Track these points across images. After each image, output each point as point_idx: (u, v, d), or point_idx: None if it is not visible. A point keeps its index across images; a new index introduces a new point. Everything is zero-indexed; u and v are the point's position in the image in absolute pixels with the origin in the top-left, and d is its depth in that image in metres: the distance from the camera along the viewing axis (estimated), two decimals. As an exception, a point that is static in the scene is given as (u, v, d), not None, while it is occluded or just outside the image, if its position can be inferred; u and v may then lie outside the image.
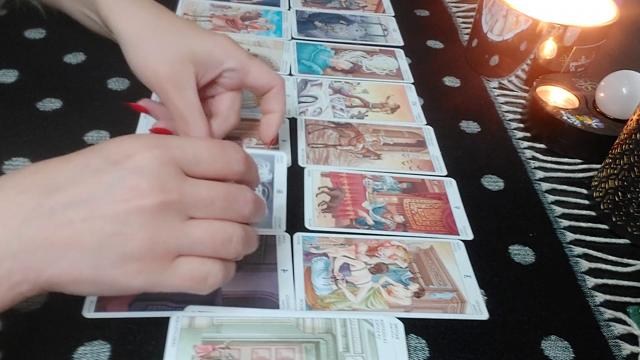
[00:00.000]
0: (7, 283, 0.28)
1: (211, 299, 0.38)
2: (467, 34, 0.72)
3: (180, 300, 0.37)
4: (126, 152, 0.30)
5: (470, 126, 0.58)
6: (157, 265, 0.30)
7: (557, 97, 0.58)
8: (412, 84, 0.62)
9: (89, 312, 0.36)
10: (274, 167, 0.48)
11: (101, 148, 0.31)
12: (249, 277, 0.40)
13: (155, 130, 0.46)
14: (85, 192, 0.29)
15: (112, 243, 0.29)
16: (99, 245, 0.29)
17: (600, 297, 0.43)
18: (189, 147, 0.31)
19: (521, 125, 0.59)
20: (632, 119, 0.46)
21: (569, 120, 0.54)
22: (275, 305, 0.38)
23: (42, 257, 0.28)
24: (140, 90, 0.55)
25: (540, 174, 0.53)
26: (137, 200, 0.29)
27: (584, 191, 0.52)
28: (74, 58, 0.58)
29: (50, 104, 0.52)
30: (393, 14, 0.75)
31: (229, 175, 0.33)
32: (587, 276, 0.44)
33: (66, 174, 0.29)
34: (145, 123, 0.51)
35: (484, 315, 0.40)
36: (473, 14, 0.67)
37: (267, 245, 0.42)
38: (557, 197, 0.51)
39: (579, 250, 0.46)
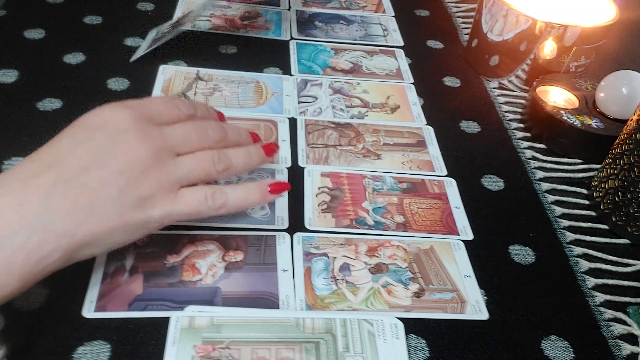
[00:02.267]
0: (38, 255, 0.30)
1: (211, 299, 0.38)
2: (467, 34, 0.72)
3: (180, 300, 0.37)
4: (103, 119, 0.36)
5: (470, 126, 0.58)
6: (167, 197, 0.36)
7: (557, 97, 0.58)
8: (412, 84, 0.62)
9: (89, 312, 0.36)
10: (275, 177, 0.48)
11: (80, 123, 0.36)
12: (249, 277, 0.40)
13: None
14: (87, 158, 0.33)
15: (127, 191, 0.34)
16: (117, 197, 0.33)
17: (600, 297, 0.43)
18: (148, 104, 0.38)
19: (521, 125, 0.59)
20: (632, 119, 0.46)
21: (569, 120, 0.54)
22: (275, 305, 0.38)
23: (71, 221, 0.32)
24: (140, 90, 0.55)
25: (540, 174, 0.53)
26: (133, 151, 0.35)
27: (584, 191, 0.52)
28: (74, 58, 0.58)
29: (50, 104, 0.51)
30: (393, 14, 0.75)
31: (182, 117, 0.40)
32: (587, 276, 0.44)
33: (64, 151, 0.34)
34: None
35: (484, 315, 0.40)
36: (473, 14, 0.67)
37: (267, 245, 0.42)
38: (557, 197, 0.51)
39: (579, 250, 0.46)
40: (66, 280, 0.37)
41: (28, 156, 0.34)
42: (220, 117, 0.46)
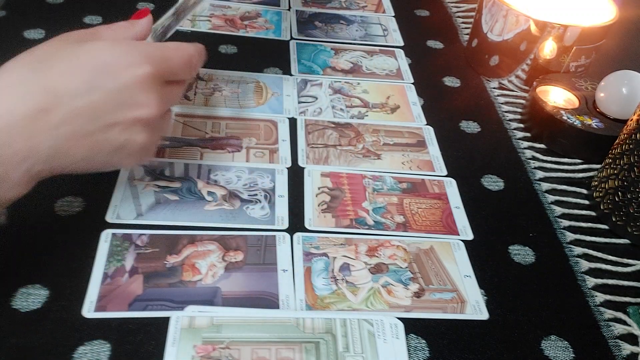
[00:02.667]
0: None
1: (211, 299, 0.38)
2: (467, 34, 0.72)
3: (180, 300, 0.37)
4: (127, 65, 0.35)
5: (470, 126, 0.58)
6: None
7: (557, 97, 0.58)
8: (412, 84, 0.62)
9: (89, 312, 0.36)
10: (275, 178, 0.48)
11: (104, 63, 0.35)
12: (249, 277, 0.40)
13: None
14: (102, 113, 0.34)
15: (125, 151, 0.37)
16: (117, 149, 0.36)
17: (600, 297, 0.43)
18: (170, 65, 0.38)
19: (521, 125, 0.59)
20: (632, 119, 0.46)
21: (569, 120, 0.54)
22: (275, 305, 0.38)
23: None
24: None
25: (540, 174, 0.53)
26: (143, 111, 0.36)
27: (584, 191, 0.52)
28: (74, 58, 0.57)
29: (50, 104, 0.51)
30: (393, 14, 0.75)
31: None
32: (587, 276, 0.44)
33: (83, 90, 0.34)
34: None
35: (484, 315, 0.40)
36: (473, 14, 0.67)
37: (267, 245, 0.42)
38: (557, 197, 0.51)
39: (579, 250, 0.46)
40: (66, 281, 0.37)
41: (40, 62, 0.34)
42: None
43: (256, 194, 0.46)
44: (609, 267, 0.45)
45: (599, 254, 0.46)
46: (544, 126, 0.56)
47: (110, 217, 0.42)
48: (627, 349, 0.39)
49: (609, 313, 0.41)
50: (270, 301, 0.38)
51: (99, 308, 0.36)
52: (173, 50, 0.39)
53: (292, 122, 0.54)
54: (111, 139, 0.35)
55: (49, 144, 0.33)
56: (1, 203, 0.33)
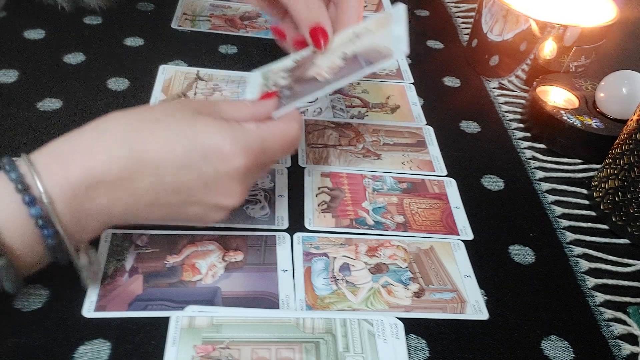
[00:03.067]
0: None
1: (211, 299, 0.38)
2: (467, 34, 0.72)
3: (180, 300, 0.37)
4: (225, 155, 0.34)
5: (470, 126, 0.58)
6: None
7: (557, 97, 0.58)
8: (412, 84, 0.62)
9: (89, 312, 0.36)
10: (275, 178, 0.48)
11: (204, 146, 0.34)
12: (249, 277, 0.40)
13: (273, 29, 0.49)
14: (186, 191, 0.35)
15: (195, 220, 0.37)
16: (193, 220, 0.37)
17: (600, 297, 0.43)
18: (272, 155, 0.38)
19: (521, 125, 0.59)
20: (632, 119, 0.46)
21: (569, 120, 0.54)
22: (275, 305, 0.38)
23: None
24: (140, 90, 0.55)
25: (540, 174, 0.53)
26: (227, 201, 0.36)
27: (584, 191, 0.52)
28: (74, 58, 0.58)
29: (50, 104, 0.52)
30: (393, 14, 0.75)
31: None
32: (587, 276, 0.44)
33: (171, 164, 0.34)
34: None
35: (484, 315, 0.40)
36: (473, 14, 0.67)
37: (267, 245, 0.42)
38: (557, 197, 0.51)
39: (579, 250, 0.46)
40: (66, 281, 0.37)
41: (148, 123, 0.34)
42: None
43: (256, 194, 0.46)
44: (609, 267, 0.45)
45: (599, 254, 0.46)
46: (544, 126, 0.56)
47: (110, 217, 0.42)
48: (627, 349, 0.39)
49: (609, 313, 0.41)
50: (270, 301, 0.38)
51: (99, 308, 0.36)
52: (277, 138, 0.37)
53: (292, 122, 0.54)
54: (189, 213, 0.36)
55: (128, 205, 0.34)
56: (76, 244, 0.34)
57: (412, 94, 0.61)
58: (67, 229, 0.32)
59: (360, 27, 0.44)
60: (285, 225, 0.44)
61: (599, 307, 0.42)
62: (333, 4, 0.46)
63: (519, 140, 0.57)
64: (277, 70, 0.44)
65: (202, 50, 0.62)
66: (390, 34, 0.42)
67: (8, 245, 0.30)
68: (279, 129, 0.38)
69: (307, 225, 0.44)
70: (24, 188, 0.30)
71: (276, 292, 0.39)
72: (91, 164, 0.32)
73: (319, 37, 0.43)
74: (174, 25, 0.65)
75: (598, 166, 0.52)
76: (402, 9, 0.43)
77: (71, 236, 0.32)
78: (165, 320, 0.36)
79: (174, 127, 0.34)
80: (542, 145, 0.56)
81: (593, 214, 0.50)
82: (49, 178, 0.31)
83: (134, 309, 0.37)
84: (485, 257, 0.44)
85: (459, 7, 0.79)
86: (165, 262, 0.40)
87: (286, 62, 0.45)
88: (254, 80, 0.45)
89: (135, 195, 0.33)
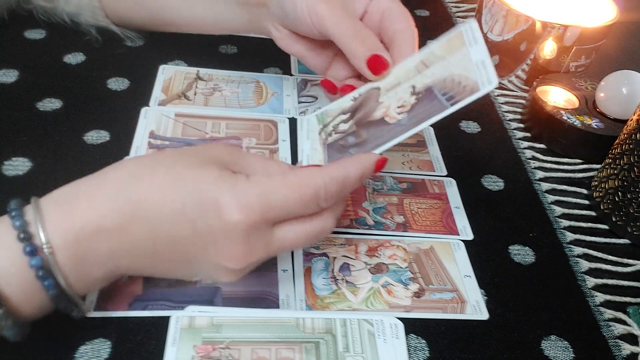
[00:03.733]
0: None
1: (211, 299, 0.38)
2: (467, 34, 0.72)
3: (180, 300, 0.37)
4: (219, 209, 0.31)
5: (470, 126, 0.58)
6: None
7: (557, 97, 0.58)
8: (412, 84, 0.62)
9: (90, 311, 0.36)
10: None
11: (201, 198, 0.31)
12: (249, 277, 0.40)
13: (324, 83, 0.45)
14: (183, 245, 0.32)
15: (205, 278, 0.37)
16: (199, 277, 0.37)
17: (600, 297, 0.43)
18: (282, 205, 0.32)
19: (521, 125, 0.59)
20: (632, 119, 0.46)
21: (569, 120, 0.54)
22: (276, 305, 0.38)
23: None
24: (140, 90, 0.55)
25: (540, 174, 0.53)
26: (227, 262, 0.33)
27: (584, 191, 0.52)
28: (74, 58, 0.58)
29: (50, 104, 0.51)
30: (393, 14, 0.74)
31: (318, 213, 0.34)
32: (587, 276, 0.44)
33: (166, 215, 0.32)
34: (144, 123, 0.51)
35: (484, 315, 0.40)
36: (473, 14, 0.67)
37: (267, 245, 0.42)
38: (557, 197, 0.51)
39: (579, 250, 0.46)
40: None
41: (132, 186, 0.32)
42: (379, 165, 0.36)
43: None
44: (609, 267, 0.45)
45: (599, 254, 0.46)
46: (544, 126, 0.56)
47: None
48: (627, 349, 0.39)
49: (609, 313, 0.41)
50: (270, 301, 0.38)
51: (99, 307, 0.36)
52: (290, 190, 0.32)
53: (292, 122, 0.54)
54: (194, 270, 0.35)
55: (130, 255, 0.32)
56: (79, 294, 0.33)
57: (412, 94, 0.61)
58: (68, 279, 0.31)
59: (425, 52, 0.38)
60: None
61: (599, 307, 0.42)
62: (385, 45, 0.42)
63: (519, 140, 0.57)
64: (336, 112, 0.38)
65: (202, 50, 0.62)
66: (468, 59, 0.35)
67: (6, 295, 0.30)
68: (296, 179, 0.32)
69: (307, 225, 0.44)
70: (25, 237, 0.30)
71: (276, 292, 0.39)
72: (92, 212, 0.31)
73: (377, 64, 0.39)
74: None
75: (598, 166, 0.52)
76: (474, 25, 0.36)
77: (73, 286, 0.31)
78: (165, 320, 0.36)
79: (176, 176, 0.32)
80: (542, 145, 0.56)
81: (593, 214, 0.50)
82: (53, 227, 0.30)
83: (134, 308, 0.37)
84: (485, 257, 0.44)
85: (459, 7, 0.79)
86: (165, 262, 0.40)
87: (344, 102, 0.38)
88: (310, 125, 0.38)
89: (135, 245, 0.32)
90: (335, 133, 0.36)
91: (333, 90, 0.44)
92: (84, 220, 0.31)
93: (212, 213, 0.31)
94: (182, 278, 0.38)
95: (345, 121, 0.37)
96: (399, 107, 0.35)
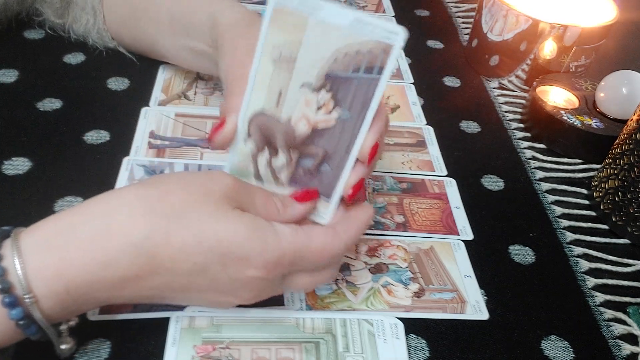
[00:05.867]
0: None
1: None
2: (467, 34, 0.72)
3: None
4: (245, 265, 0.30)
5: (470, 126, 0.58)
6: None
7: (557, 97, 0.58)
8: (412, 84, 0.62)
9: (94, 315, 0.36)
10: None
11: (223, 253, 0.30)
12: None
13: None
14: (196, 291, 0.32)
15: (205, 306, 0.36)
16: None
17: (600, 297, 0.43)
18: (302, 264, 0.32)
19: (521, 125, 0.59)
20: (632, 119, 0.46)
21: (569, 120, 0.54)
22: (281, 302, 0.38)
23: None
24: (140, 90, 0.55)
25: (540, 174, 0.53)
26: (235, 301, 0.33)
27: (584, 191, 0.52)
28: (74, 58, 0.58)
29: (50, 104, 0.51)
30: (393, 14, 0.75)
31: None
32: (587, 276, 0.44)
33: (185, 270, 0.30)
34: (144, 123, 0.51)
35: (484, 315, 0.40)
36: (473, 14, 0.67)
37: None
38: (557, 197, 0.51)
39: (579, 250, 0.46)
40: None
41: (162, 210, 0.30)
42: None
43: None
44: (609, 267, 0.45)
45: (599, 254, 0.46)
46: (544, 126, 0.56)
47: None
48: (627, 349, 0.39)
49: (609, 313, 0.41)
50: (275, 299, 0.38)
51: (103, 311, 0.36)
52: (312, 255, 0.32)
53: (292, 122, 0.54)
54: (192, 299, 0.33)
55: (130, 298, 0.31)
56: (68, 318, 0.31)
57: (412, 93, 0.61)
58: (52, 319, 0.29)
59: (264, 50, 0.32)
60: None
61: (599, 307, 0.42)
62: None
63: (519, 140, 0.57)
64: (245, 162, 0.34)
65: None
66: (336, 28, 0.30)
67: None
68: (319, 241, 0.32)
69: (307, 225, 0.44)
70: (4, 288, 0.27)
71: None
72: (92, 264, 0.28)
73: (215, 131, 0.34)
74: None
75: (598, 166, 0.52)
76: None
77: (54, 318, 0.29)
78: (165, 320, 0.36)
79: (194, 227, 0.29)
80: (542, 145, 0.56)
81: (593, 214, 0.50)
82: (38, 275, 0.28)
83: (139, 310, 0.36)
84: (485, 257, 0.44)
85: (459, 7, 0.79)
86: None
87: (243, 151, 0.34)
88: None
89: (141, 291, 0.30)
90: (279, 173, 0.34)
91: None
92: (82, 272, 0.28)
93: (235, 268, 0.30)
94: (180, 304, 0.36)
95: (273, 159, 0.33)
96: (318, 108, 0.32)
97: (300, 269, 0.33)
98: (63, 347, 0.31)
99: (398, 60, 0.66)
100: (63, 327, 0.31)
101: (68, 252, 0.28)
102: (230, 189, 0.31)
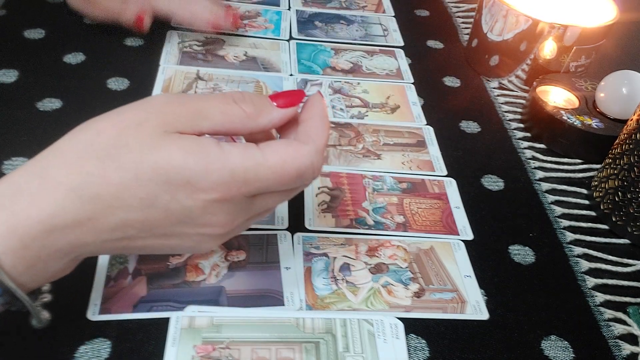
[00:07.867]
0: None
1: (216, 299, 0.38)
2: (467, 34, 0.72)
3: (184, 300, 0.37)
4: (192, 190, 0.30)
5: (470, 126, 0.58)
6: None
7: (557, 97, 0.58)
8: (412, 84, 0.62)
9: (94, 315, 0.36)
10: None
11: (169, 181, 0.29)
12: (253, 275, 0.40)
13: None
14: (157, 227, 0.30)
15: (189, 250, 0.34)
16: (179, 251, 0.33)
17: (600, 297, 0.43)
18: (261, 185, 0.31)
19: (521, 125, 0.59)
20: (632, 119, 0.46)
21: (569, 120, 0.54)
22: (280, 302, 0.38)
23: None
24: (140, 90, 0.55)
25: (540, 174, 0.53)
26: (209, 230, 0.31)
27: (584, 191, 0.52)
28: (74, 58, 0.58)
29: (50, 104, 0.52)
30: (393, 14, 0.75)
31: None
32: (587, 276, 0.44)
33: (135, 205, 0.29)
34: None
35: (484, 315, 0.40)
36: (473, 14, 0.67)
37: (269, 243, 0.42)
38: (557, 197, 0.51)
39: (579, 250, 0.46)
40: (69, 285, 0.37)
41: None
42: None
43: None
44: (609, 267, 0.45)
45: (599, 254, 0.46)
46: (544, 126, 0.56)
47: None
48: (627, 349, 0.39)
49: (609, 313, 0.41)
50: (275, 299, 0.38)
51: (103, 310, 0.36)
52: (271, 173, 0.31)
53: (292, 122, 0.54)
54: (172, 245, 0.32)
55: (95, 243, 0.30)
56: (41, 284, 0.31)
57: (412, 93, 0.61)
58: (19, 280, 0.28)
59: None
60: (286, 225, 0.44)
61: (599, 307, 0.42)
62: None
63: (519, 140, 0.57)
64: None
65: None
66: None
67: None
68: (277, 157, 0.31)
69: (307, 225, 0.44)
70: None
71: (280, 290, 0.39)
72: (39, 214, 0.28)
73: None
74: (174, 24, 0.65)
75: (598, 166, 0.52)
76: None
77: (26, 285, 0.29)
78: (166, 320, 0.36)
79: (128, 163, 0.29)
80: (542, 145, 0.56)
81: (593, 214, 0.50)
82: None
83: (138, 310, 0.36)
84: (485, 257, 0.44)
85: (459, 7, 0.79)
86: (168, 263, 0.40)
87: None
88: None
89: (101, 235, 0.30)
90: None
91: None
92: (32, 222, 0.28)
93: (185, 194, 0.29)
94: (161, 253, 0.35)
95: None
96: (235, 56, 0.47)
97: (265, 189, 0.31)
98: (40, 314, 0.31)
99: (398, 60, 0.66)
100: (37, 302, 0.31)
101: (16, 207, 0.28)
102: (166, 113, 0.30)
